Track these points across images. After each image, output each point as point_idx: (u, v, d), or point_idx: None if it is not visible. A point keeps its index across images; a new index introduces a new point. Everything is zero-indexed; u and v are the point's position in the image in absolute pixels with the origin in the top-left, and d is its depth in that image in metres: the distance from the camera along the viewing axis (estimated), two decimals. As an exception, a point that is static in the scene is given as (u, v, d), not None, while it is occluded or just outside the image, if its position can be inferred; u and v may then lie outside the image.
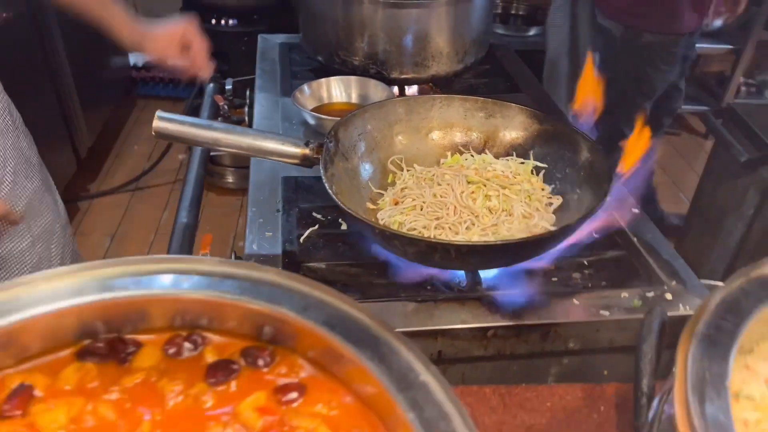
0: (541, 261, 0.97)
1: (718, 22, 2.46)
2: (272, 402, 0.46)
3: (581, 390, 0.83)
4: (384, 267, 0.96)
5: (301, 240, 1.03)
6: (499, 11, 2.99)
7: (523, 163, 1.09)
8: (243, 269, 0.51)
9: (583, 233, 0.96)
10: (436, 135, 1.13)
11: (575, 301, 0.93)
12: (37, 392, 0.46)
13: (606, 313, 0.91)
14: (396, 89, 1.42)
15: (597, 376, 0.94)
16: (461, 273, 0.96)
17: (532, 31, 2.86)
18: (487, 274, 0.96)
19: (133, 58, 3.28)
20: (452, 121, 1.12)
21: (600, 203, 0.88)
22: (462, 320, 0.90)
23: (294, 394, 0.46)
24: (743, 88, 3.23)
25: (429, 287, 0.94)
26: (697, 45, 2.95)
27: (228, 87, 1.69)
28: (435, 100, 1.10)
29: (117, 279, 0.50)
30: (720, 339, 0.46)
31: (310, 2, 1.45)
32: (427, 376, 0.43)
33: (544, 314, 0.91)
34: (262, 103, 1.45)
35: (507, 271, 0.97)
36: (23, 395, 0.45)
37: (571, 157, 1.03)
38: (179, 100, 3.32)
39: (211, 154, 2.81)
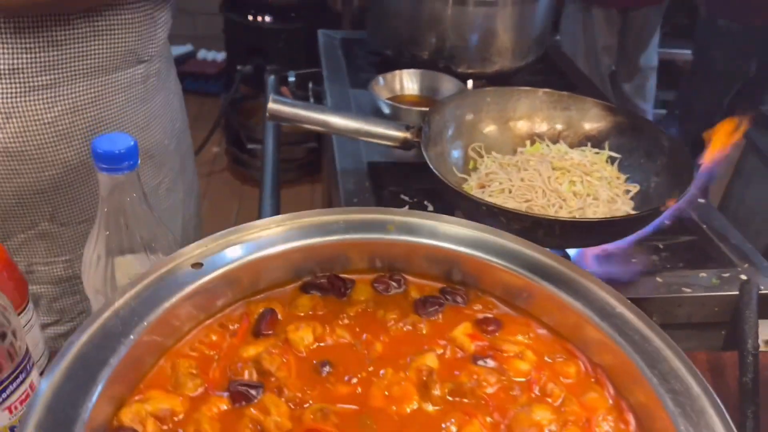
0: (623, 243, 1.05)
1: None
2: (479, 331, 0.53)
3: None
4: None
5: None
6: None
7: (598, 153, 1.16)
8: (429, 219, 0.59)
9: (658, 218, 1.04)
10: (514, 124, 1.21)
11: (658, 279, 1.01)
12: (279, 317, 0.53)
13: (688, 290, 0.99)
14: (471, 83, 1.50)
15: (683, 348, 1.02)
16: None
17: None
18: (573, 256, 1.04)
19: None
20: (531, 112, 1.20)
21: (686, 189, 0.96)
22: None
23: (493, 327, 0.54)
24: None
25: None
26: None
27: (291, 79, 1.76)
28: (520, 92, 1.17)
29: (327, 226, 0.57)
30: None
31: (383, 1, 1.52)
32: (622, 308, 0.51)
33: (631, 290, 0.99)
34: (333, 94, 1.52)
35: (591, 254, 1.04)
36: (272, 318, 0.52)
37: (646, 148, 1.11)
38: (208, 95, 3.37)
39: (249, 146, 2.88)
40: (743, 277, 1.02)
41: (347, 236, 0.56)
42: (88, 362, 0.43)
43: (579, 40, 2.65)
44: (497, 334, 0.53)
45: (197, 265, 0.51)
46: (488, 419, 0.46)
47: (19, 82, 0.81)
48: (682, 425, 0.43)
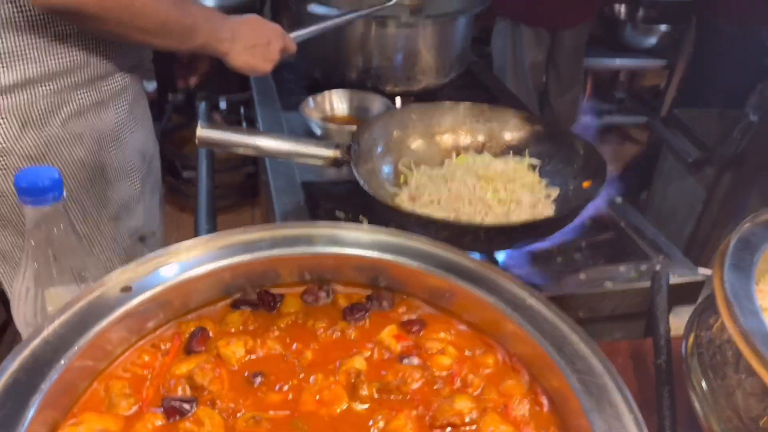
0: (546, 243, 1.11)
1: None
2: (404, 332, 0.56)
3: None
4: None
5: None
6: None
7: (519, 161, 1.23)
8: (354, 230, 0.62)
9: (579, 218, 1.10)
10: (440, 138, 1.26)
11: (582, 276, 1.07)
12: (211, 334, 0.55)
13: (609, 284, 1.05)
14: (399, 100, 1.55)
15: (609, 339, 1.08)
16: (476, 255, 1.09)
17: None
18: (500, 258, 1.09)
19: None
20: (455, 126, 1.25)
21: (598, 190, 1.03)
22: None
23: (417, 327, 0.57)
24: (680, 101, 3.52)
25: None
26: (631, 61, 3.27)
27: (222, 106, 1.78)
28: (443, 107, 1.22)
29: (254, 243, 0.59)
30: (742, 266, 0.60)
31: (310, 24, 1.56)
32: (532, 300, 0.55)
33: (556, 288, 1.04)
34: (265, 118, 1.54)
35: (517, 255, 1.10)
36: (203, 336, 0.54)
37: (564, 153, 1.18)
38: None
39: (184, 174, 2.85)
40: (658, 267, 1.09)
41: (274, 252, 0.59)
42: (19, 389, 0.44)
43: (508, 56, 2.74)
44: (421, 333, 0.57)
45: (126, 289, 0.52)
46: (414, 413, 0.49)
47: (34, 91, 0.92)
48: (586, 402, 0.47)
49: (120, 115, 1.07)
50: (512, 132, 1.27)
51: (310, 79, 1.66)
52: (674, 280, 1.08)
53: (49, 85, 0.93)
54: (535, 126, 1.24)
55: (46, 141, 0.96)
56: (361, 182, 1.04)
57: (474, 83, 1.79)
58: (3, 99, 0.90)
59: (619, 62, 3.33)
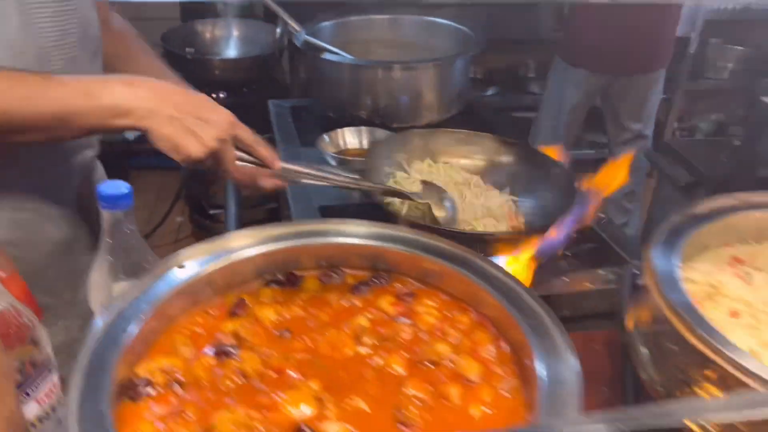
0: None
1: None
2: (398, 301, 0.72)
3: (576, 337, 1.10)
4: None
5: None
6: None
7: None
8: (357, 225, 0.78)
9: (563, 232, 1.25)
10: (440, 158, 1.43)
11: (565, 279, 1.21)
12: (249, 304, 0.71)
13: (590, 285, 1.20)
14: (402, 134, 1.73)
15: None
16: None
17: (490, 91, 3.26)
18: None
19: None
20: (452, 148, 1.42)
21: (569, 208, 1.17)
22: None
23: (409, 297, 0.73)
24: (677, 133, 3.68)
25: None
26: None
27: (247, 144, 1.97)
28: (439, 132, 1.40)
29: (280, 236, 0.76)
30: (669, 249, 0.75)
31: (324, 71, 1.76)
32: (499, 273, 0.70)
33: (542, 289, 1.18)
34: (287, 152, 1.73)
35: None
36: (242, 304, 0.70)
37: (540, 175, 1.34)
38: (170, 169, 3.56)
39: (211, 212, 3.05)
40: (635, 270, 1.23)
41: (295, 242, 0.75)
42: (108, 338, 0.60)
43: (554, 96, 2.72)
44: (411, 301, 0.72)
45: (181, 267, 0.69)
46: (404, 353, 0.64)
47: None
48: (536, 342, 0.62)
49: None
50: (499, 156, 1.43)
51: (326, 119, 1.85)
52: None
53: None
54: (516, 149, 1.41)
55: None
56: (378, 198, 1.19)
57: (474, 119, 1.96)
58: None
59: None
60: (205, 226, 3.03)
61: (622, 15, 2.51)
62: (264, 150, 0.95)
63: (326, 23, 1.93)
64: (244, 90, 3.25)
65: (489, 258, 0.73)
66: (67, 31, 0.98)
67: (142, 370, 0.60)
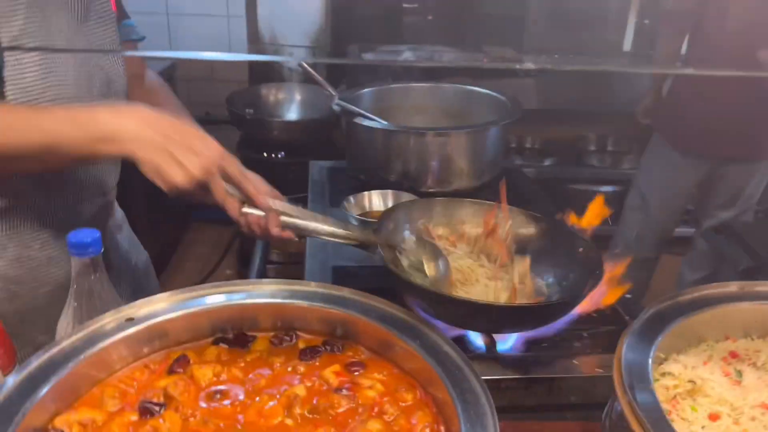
0: (549, 330, 1.18)
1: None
2: (344, 371, 0.68)
3: (575, 427, 1.01)
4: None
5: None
6: (514, 145, 3.37)
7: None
8: (322, 288, 0.76)
9: (583, 308, 1.17)
10: (460, 228, 1.39)
11: (575, 362, 1.13)
12: (191, 361, 0.69)
13: (600, 370, 1.11)
14: (426, 199, 1.71)
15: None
16: (475, 339, 1.17)
17: (547, 162, 3.20)
18: (501, 343, 1.17)
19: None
20: (472, 218, 1.38)
21: (597, 281, 1.10)
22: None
23: (357, 368, 0.69)
24: (753, 214, 3.44)
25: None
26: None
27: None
28: (463, 202, 1.37)
29: (238, 293, 0.74)
30: (649, 336, 0.68)
31: (357, 135, 1.78)
32: (447, 347, 0.66)
33: (548, 370, 1.10)
34: (315, 211, 1.74)
35: (518, 340, 1.18)
36: (184, 361, 0.68)
37: (565, 250, 1.27)
38: (230, 223, 3.67)
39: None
40: (653, 358, 1.13)
41: (249, 300, 0.74)
42: (34, 380, 0.60)
43: (656, 175, 2.56)
44: (359, 372, 0.68)
45: (130, 320, 0.68)
46: (332, 430, 0.60)
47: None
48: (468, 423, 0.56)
49: None
50: (522, 227, 1.38)
51: (357, 181, 1.86)
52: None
53: None
54: (540, 224, 1.35)
55: None
56: (384, 257, 1.16)
57: (508, 188, 1.92)
58: None
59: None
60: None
61: (736, 92, 2.19)
62: (250, 186, 0.93)
63: (367, 90, 1.98)
64: (301, 150, 3.35)
65: (443, 334, 0.68)
66: (91, 84, 1.03)
67: (60, 422, 0.59)
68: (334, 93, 1.77)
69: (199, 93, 3.74)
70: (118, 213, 1.35)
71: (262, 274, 1.67)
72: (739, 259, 2.13)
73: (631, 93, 3.19)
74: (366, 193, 1.69)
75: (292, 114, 3.43)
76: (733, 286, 0.76)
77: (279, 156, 3.44)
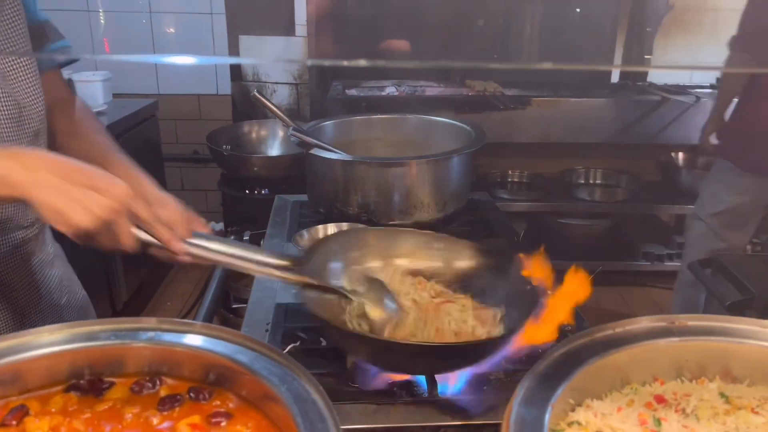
0: (492, 368, 1.08)
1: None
2: (204, 422, 0.60)
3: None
4: (354, 375, 1.09)
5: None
6: (498, 179, 3.30)
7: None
8: (207, 329, 0.67)
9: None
10: (396, 261, 1.30)
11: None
12: (31, 412, 0.61)
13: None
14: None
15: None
16: (422, 382, 1.08)
17: (534, 195, 3.13)
18: (444, 384, 1.07)
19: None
20: (413, 250, 1.30)
21: (527, 321, 1.01)
22: (416, 420, 1.00)
23: (221, 419, 0.60)
24: (748, 246, 3.34)
25: (392, 393, 1.06)
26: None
27: (246, 238, 1.93)
28: (404, 232, 1.29)
29: (100, 333, 0.66)
30: (550, 382, 0.59)
31: (315, 166, 1.72)
32: (315, 395, 0.57)
33: (492, 415, 1.00)
34: (269, 246, 1.67)
35: (462, 381, 1.08)
36: (19, 412, 0.60)
37: (510, 285, 1.17)
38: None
39: (234, 306, 3.02)
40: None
41: (117, 342, 0.65)
42: None
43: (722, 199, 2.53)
44: (224, 424, 0.60)
45: (-37, 365, 0.60)
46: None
47: None
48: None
49: None
50: (464, 261, 1.28)
51: (318, 214, 1.79)
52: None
53: None
54: (486, 257, 1.26)
55: None
56: (301, 298, 1.08)
57: (477, 220, 1.83)
58: None
59: (678, 208, 3.28)
60: (228, 319, 3.00)
61: None
62: (163, 231, 0.86)
63: (328, 122, 1.92)
64: (282, 186, 3.29)
65: (315, 381, 0.59)
66: None
67: None
68: (291, 124, 1.71)
69: (185, 132, 3.73)
70: (50, 248, 1.29)
71: (210, 317, 1.59)
72: (726, 294, 2.02)
73: (620, 125, 3.14)
74: (321, 226, 1.61)
75: (275, 150, 3.40)
76: (662, 321, 0.67)
77: (263, 192, 3.40)
